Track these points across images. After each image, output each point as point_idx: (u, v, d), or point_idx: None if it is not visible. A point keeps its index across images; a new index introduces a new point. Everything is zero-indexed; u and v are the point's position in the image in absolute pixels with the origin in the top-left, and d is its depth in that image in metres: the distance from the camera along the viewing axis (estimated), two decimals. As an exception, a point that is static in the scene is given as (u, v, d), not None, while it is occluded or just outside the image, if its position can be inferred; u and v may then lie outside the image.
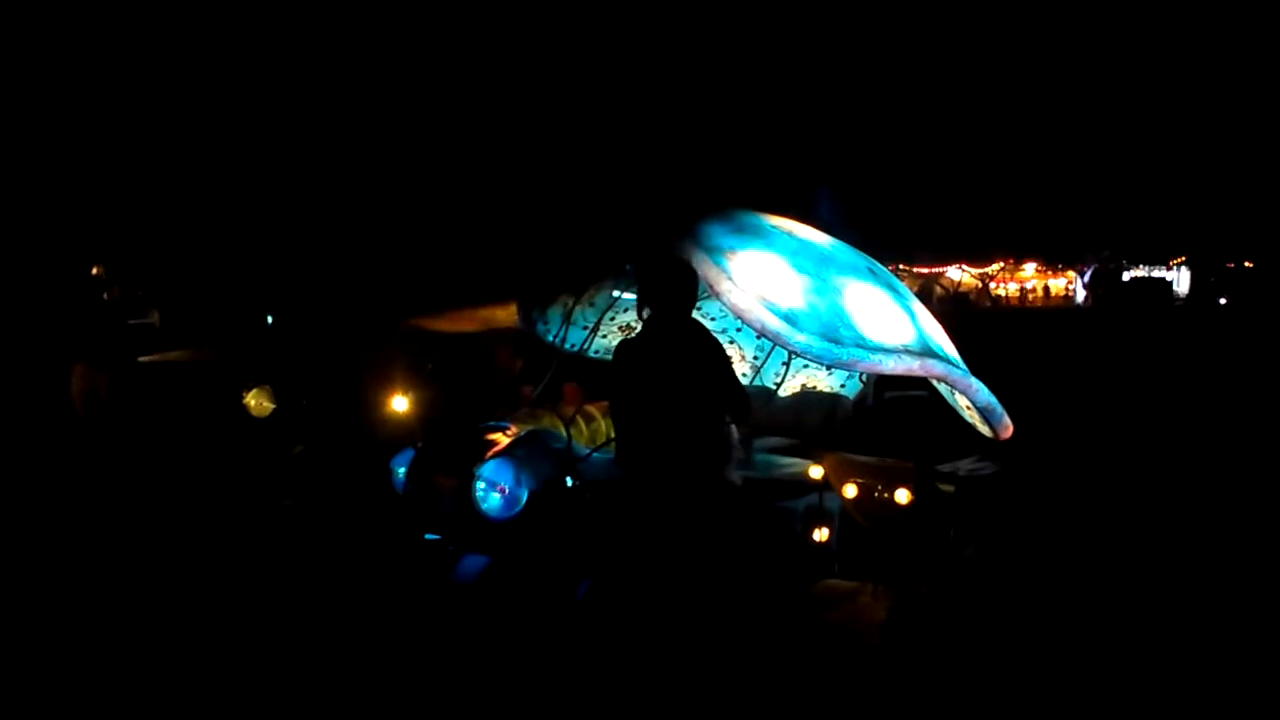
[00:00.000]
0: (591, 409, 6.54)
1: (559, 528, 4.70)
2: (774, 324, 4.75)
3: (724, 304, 4.95)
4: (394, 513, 5.23)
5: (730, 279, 4.90)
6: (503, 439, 5.03)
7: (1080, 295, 49.28)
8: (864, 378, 6.63)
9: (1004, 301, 48.44)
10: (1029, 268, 54.15)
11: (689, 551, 3.89)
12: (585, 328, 6.33)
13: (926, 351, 5.24)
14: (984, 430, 5.72)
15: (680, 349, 3.92)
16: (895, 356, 5.02)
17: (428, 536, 5.02)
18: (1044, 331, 25.19)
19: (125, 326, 11.02)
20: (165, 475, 8.33)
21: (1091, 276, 48.04)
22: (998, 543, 4.80)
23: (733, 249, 5.04)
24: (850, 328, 4.96)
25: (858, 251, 5.72)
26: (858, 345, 4.92)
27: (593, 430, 6.43)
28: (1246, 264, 45.59)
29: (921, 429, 5.83)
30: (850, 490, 4.52)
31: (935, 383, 5.95)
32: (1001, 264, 50.86)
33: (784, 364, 6.84)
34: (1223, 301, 42.68)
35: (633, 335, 4.33)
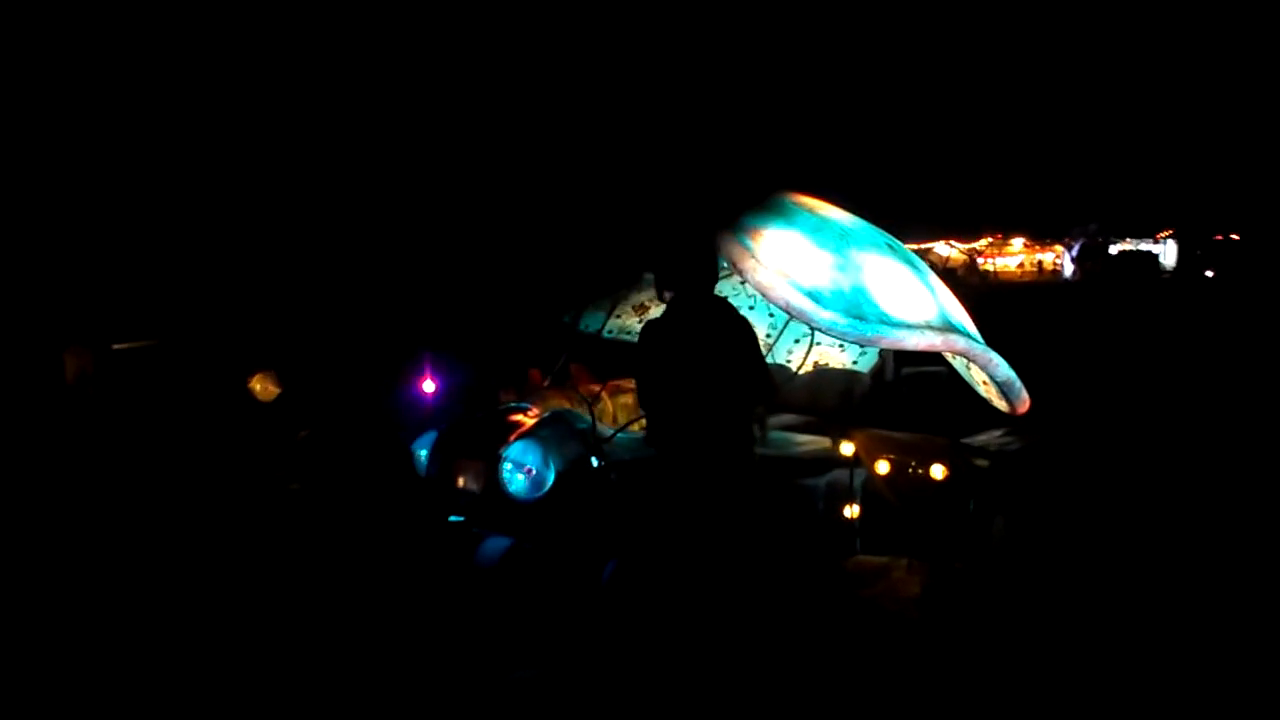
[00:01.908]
0: (597, 388, 6.53)
1: (585, 509, 4.68)
2: (799, 301, 4.73)
3: (749, 282, 4.93)
4: (416, 496, 5.19)
5: (755, 257, 4.88)
6: (526, 420, 4.99)
7: (1069, 269, 49.42)
8: (880, 353, 6.62)
9: (993, 277, 48.54)
10: (1017, 242, 54.26)
11: (720, 531, 3.88)
12: (601, 310, 6.30)
13: (947, 327, 5.23)
14: (1000, 405, 5.73)
15: (710, 328, 3.90)
16: (918, 332, 5.01)
17: (451, 519, 4.99)
18: (1040, 306, 25.24)
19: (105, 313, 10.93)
20: (169, 461, 8.29)
21: (1080, 250, 48.18)
22: (1027, 516, 4.80)
23: (756, 227, 5.01)
24: (873, 304, 4.94)
25: (876, 228, 5.69)
26: (881, 321, 4.90)
27: (616, 409, 6.42)
28: (1233, 236, 45.74)
29: (940, 404, 5.83)
30: (883, 466, 4.52)
31: (951, 358, 5.95)
32: (990, 239, 50.93)
33: (796, 341, 6.82)
34: (1209, 274, 42.86)
35: (655, 316, 4.31)
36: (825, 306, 4.75)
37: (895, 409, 5.60)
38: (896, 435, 4.67)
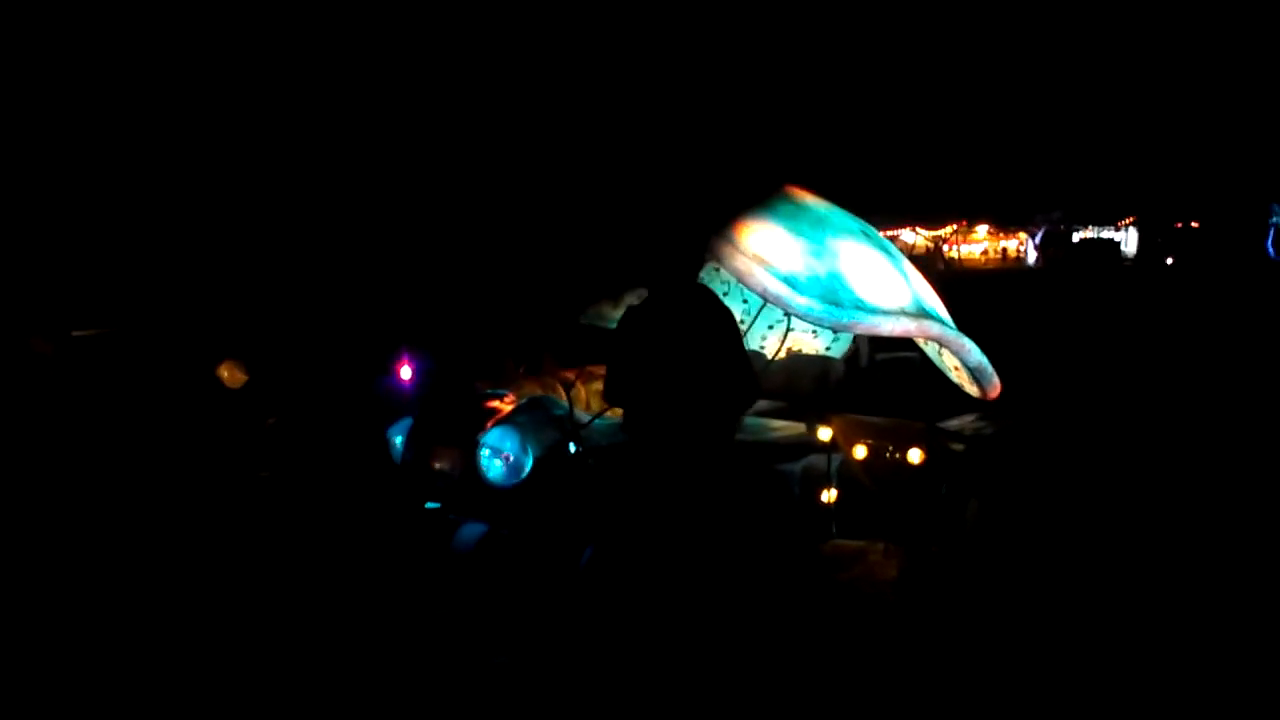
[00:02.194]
0: (570, 375, 6.53)
1: (563, 494, 4.68)
2: (775, 287, 4.77)
3: (724, 268, 4.96)
4: (391, 482, 5.17)
5: (732, 243, 4.90)
6: (503, 407, 4.98)
7: (1032, 256, 49.95)
8: (853, 339, 6.67)
9: (957, 264, 48.95)
10: (981, 229, 54.73)
11: (696, 517, 3.88)
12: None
13: (921, 313, 5.28)
14: (971, 390, 5.80)
15: (692, 317, 3.89)
16: (893, 318, 5.06)
17: (428, 505, 4.98)
18: (1004, 293, 25.49)
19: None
20: (136, 449, 8.18)
21: (1043, 237, 48.73)
22: (1000, 499, 4.85)
23: (734, 215, 5.04)
24: (849, 290, 4.99)
25: (851, 214, 5.73)
26: (857, 307, 4.95)
27: (589, 395, 6.42)
28: (1193, 225, 46.41)
29: (912, 390, 5.88)
30: (860, 451, 4.55)
31: (923, 344, 6.01)
32: (954, 226, 51.33)
33: (770, 327, 6.85)
34: (1170, 261, 43.49)
35: (637, 303, 4.29)
36: (801, 292, 4.79)
37: (869, 394, 5.64)
38: (874, 420, 4.71)
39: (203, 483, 6.99)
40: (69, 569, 5.31)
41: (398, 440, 5.10)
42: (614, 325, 6.95)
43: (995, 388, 5.62)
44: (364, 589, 4.82)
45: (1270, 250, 41.50)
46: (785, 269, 4.82)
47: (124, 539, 5.78)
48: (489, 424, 4.73)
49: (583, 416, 4.86)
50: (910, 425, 4.65)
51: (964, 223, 51.94)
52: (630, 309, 4.02)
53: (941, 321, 5.31)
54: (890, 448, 4.44)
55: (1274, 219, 42.15)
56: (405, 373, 5.14)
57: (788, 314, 5.49)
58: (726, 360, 3.88)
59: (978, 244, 55.78)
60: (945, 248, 50.99)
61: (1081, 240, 49.26)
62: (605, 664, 4.02)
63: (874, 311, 4.96)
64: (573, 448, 4.71)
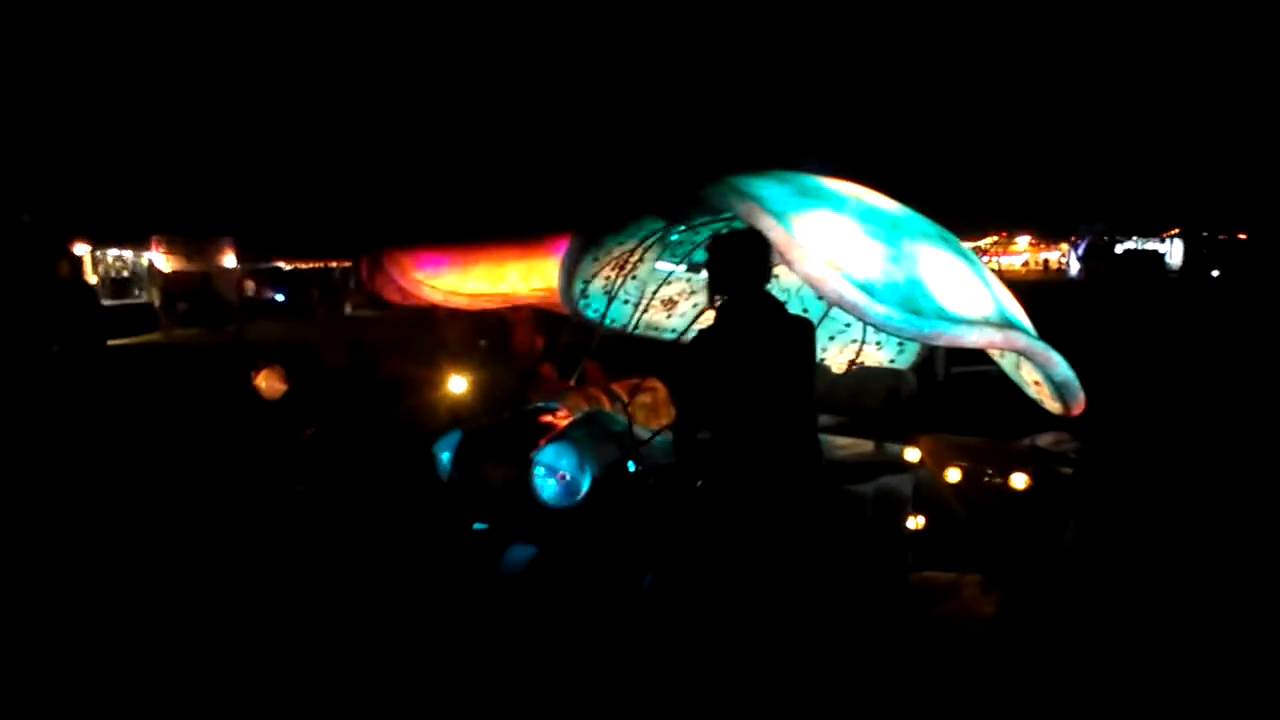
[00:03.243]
0: (617, 388, 6.21)
1: (621, 517, 4.35)
2: (851, 294, 4.39)
3: (796, 273, 4.59)
4: (439, 501, 4.87)
5: (802, 246, 4.54)
6: (557, 422, 4.66)
7: (1074, 268, 49.07)
8: (920, 351, 6.29)
9: (998, 276, 48.15)
10: (1022, 240, 53.95)
11: (785, 545, 3.53)
12: (628, 302, 5.98)
13: (1006, 323, 4.90)
14: (1052, 406, 5.40)
15: (774, 335, 3.55)
16: (978, 329, 4.67)
17: (476, 526, 4.67)
18: (1051, 305, 24.90)
19: (99, 308, 10.57)
20: (171, 461, 7.98)
21: (1086, 249, 47.85)
22: (1098, 522, 4.46)
23: (796, 212, 4.66)
24: (930, 298, 4.61)
25: (925, 217, 5.35)
26: (940, 317, 4.56)
27: (635, 409, 6.10)
28: (1240, 236, 45.42)
29: (989, 405, 5.50)
30: (953, 474, 4.18)
31: (999, 356, 5.63)
32: (995, 236, 50.62)
33: (832, 338, 6.48)
34: (1216, 274, 42.58)
35: (684, 311, 3.93)
36: (880, 300, 4.41)
37: (945, 410, 5.26)
38: (969, 441, 4.34)
39: (236, 496, 6.75)
40: (78, 582, 5.08)
41: (445, 456, 4.80)
42: (669, 336, 6.69)
43: (1080, 404, 5.21)
44: (405, 614, 4.52)
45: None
46: (862, 275, 4.44)
47: (149, 554, 5.54)
48: (543, 441, 4.40)
49: (642, 433, 4.52)
50: (1013, 447, 4.26)
51: (1005, 233, 51.20)
52: (704, 332, 3.67)
53: (1027, 332, 4.91)
54: (989, 471, 4.06)
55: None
56: (458, 385, 4.83)
57: (863, 324, 5.13)
58: (808, 376, 3.54)
59: (1018, 255, 54.94)
60: (985, 259, 50.28)
61: (1125, 252, 48.33)
62: (672, 701, 3.69)
63: (958, 321, 4.57)
64: (632, 466, 4.37)
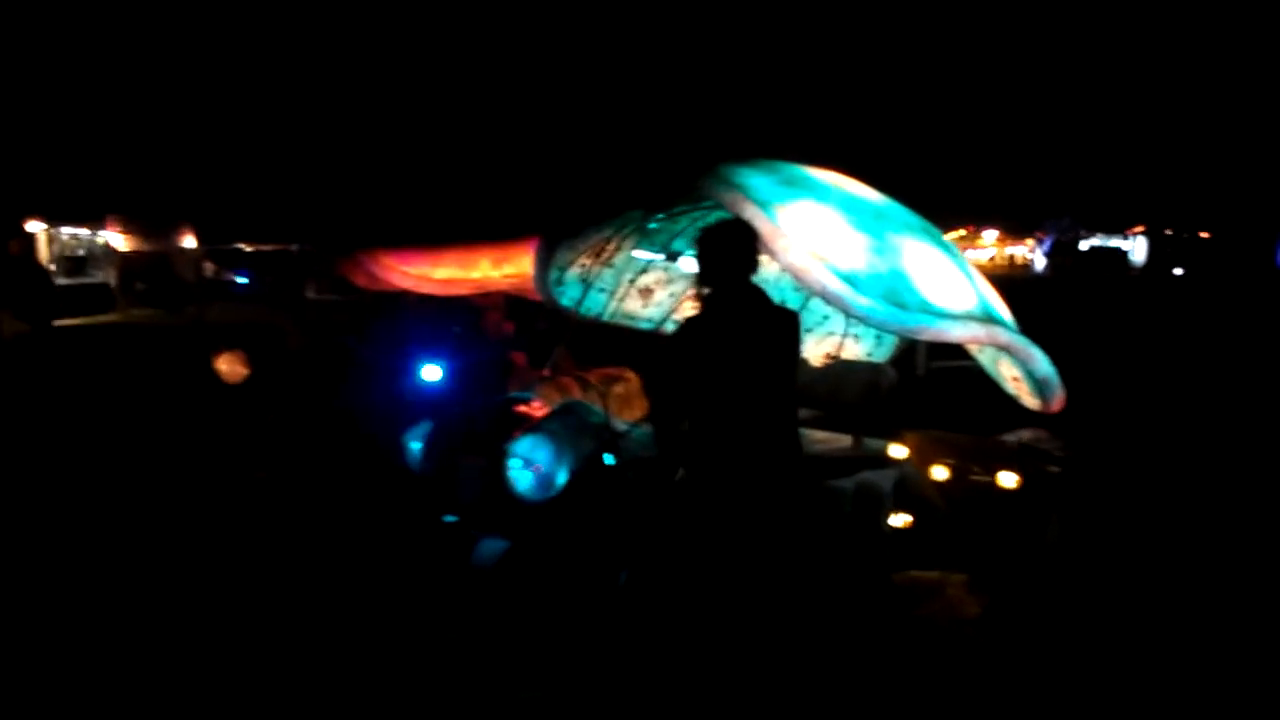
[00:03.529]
0: (589, 377, 6.09)
1: (598, 510, 4.23)
2: (835, 286, 4.30)
3: (779, 263, 4.49)
4: (408, 492, 4.72)
5: (786, 236, 4.44)
6: (533, 412, 4.53)
7: (1040, 264, 49.48)
8: (898, 345, 6.22)
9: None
10: (989, 235, 54.34)
11: (767, 540, 3.43)
12: (604, 291, 5.85)
13: (989, 318, 4.84)
14: (1030, 402, 5.34)
15: (761, 326, 3.44)
16: (962, 323, 4.61)
17: (446, 519, 4.53)
18: (1020, 301, 25.05)
19: (52, 288, 10.26)
20: (127, 446, 7.77)
21: (1053, 245, 48.25)
22: (1080, 520, 4.39)
23: (781, 202, 4.56)
24: (914, 291, 4.53)
25: (908, 209, 5.27)
26: (924, 310, 4.49)
27: (609, 400, 5.98)
28: (1202, 234, 45.99)
29: (967, 401, 5.44)
30: (940, 472, 4.09)
31: (976, 350, 5.57)
32: (963, 230, 50.93)
33: (808, 330, 6.39)
34: (1178, 271, 43.11)
35: (660, 301, 3.80)
36: (863, 292, 4.32)
37: (925, 405, 5.19)
38: (957, 438, 4.26)
39: (195, 483, 6.56)
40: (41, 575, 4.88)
41: (415, 446, 4.65)
42: (645, 325, 6.57)
43: (1059, 400, 5.16)
44: (373, 609, 4.38)
45: (1281, 260, 41.14)
46: (846, 266, 4.35)
47: (106, 542, 5.35)
48: (518, 432, 4.27)
49: (620, 425, 4.40)
50: (1001, 444, 4.18)
51: (972, 227, 51.50)
52: (690, 321, 3.55)
53: (1010, 328, 4.85)
54: (977, 469, 3.98)
55: (1287, 231, 41.76)
56: (432, 373, 4.67)
57: (843, 316, 5.04)
58: (793, 371, 3.44)
59: (984, 250, 55.30)
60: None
61: (1090, 249, 48.77)
62: (649, 700, 3.59)
63: (942, 316, 4.50)
64: (609, 459, 4.26)
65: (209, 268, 28.44)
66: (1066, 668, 3.60)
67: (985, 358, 5.61)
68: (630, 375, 6.14)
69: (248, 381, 7.76)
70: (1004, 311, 5.12)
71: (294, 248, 30.88)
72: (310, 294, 28.53)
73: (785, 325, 3.47)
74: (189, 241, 27.67)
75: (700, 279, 3.56)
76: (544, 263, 5.43)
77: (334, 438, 6.44)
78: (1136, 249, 49.34)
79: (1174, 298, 27.03)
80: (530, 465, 4.15)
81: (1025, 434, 5.11)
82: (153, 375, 10.67)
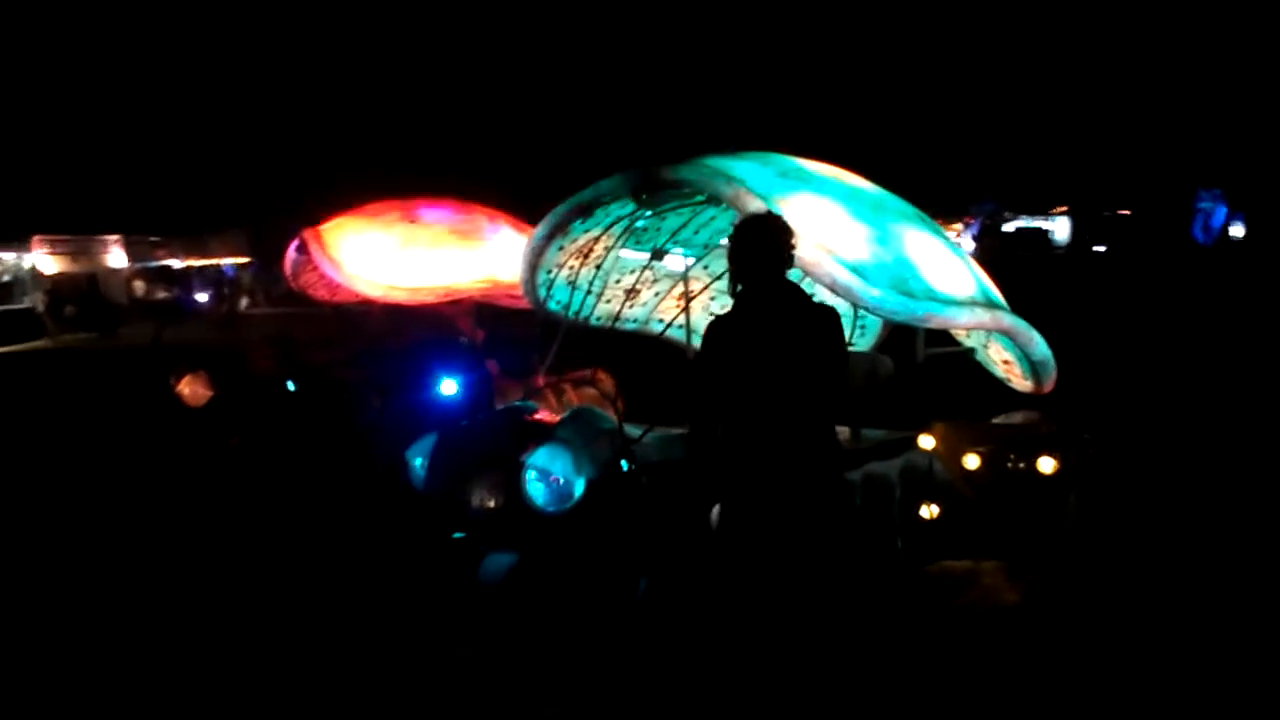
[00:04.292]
0: (562, 383, 5.98)
1: (616, 518, 4.12)
2: (845, 277, 4.25)
3: (786, 258, 4.44)
4: (413, 510, 4.56)
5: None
6: (542, 421, 4.40)
7: (969, 247, 50.39)
8: (880, 333, 6.22)
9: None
10: (918, 221, 55.08)
11: (801, 554, 3.35)
12: (590, 292, 5.72)
13: (991, 303, 4.84)
14: (1022, 385, 5.37)
15: (797, 326, 3.35)
16: (968, 310, 4.60)
17: (455, 536, 4.38)
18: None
19: None
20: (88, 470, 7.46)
21: (980, 228, 49.15)
22: (1098, 497, 4.39)
23: (781, 194, 4.50)
24: (919, 279, 4.50)
25: (899, 198, 5.25)
26: (931, 298, 4.47)
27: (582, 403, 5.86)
28: (1122, 212, 47.22)
29: (963, 386, 5.44)
30: (972, 460, 4.04)
31: (964, 335, 5.58)
32: (893, 219, 51.55)
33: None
34: (1100, 249, 44.20)
35: (643, 299, 3.68)
36: (872, 283, 4.28)
37: (921, 393, 5.15)
38: (986, 425, 4.22)
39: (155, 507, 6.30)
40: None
41: (418, 462, 4.48)
42: (630, 326, 6.46)
43: (1053, 382, 5.20)
44: (385, 630, 4.23)
45: (1198, 235, 42.43)
46: (852, 257, 4.30)
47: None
48: (531, 443, 4.13)
49: (632, 430, 4.30)
50: (1037, 429, 4.15)
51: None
52: (720, 319, 3.46)
53: (1009, 312, 4.86)
54: (1013, 456, 3.94)
55: (1201, 205, 43.07)
56: (449, 386, 4.51)
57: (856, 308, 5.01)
58: (835, 370, 3.36)
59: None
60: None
61: (1015, 230, 49.77)
62: (676, 709, 3.50)
63: (949, 303, 4.48)
64: (624, 466, 4.15)
65: (139, 287, 27.61)
66: (1112, 650, 3.60)
67: (974, 342, 5.63)
68: (603, 377, 6.03)
69: (211, 403, 7.49)
70: (1000, 297, 5.13)
71: (225, 263, 30.14)
72: (243, 306, 27.91)
73: (824, 322, 3.37)
74: (117, 259, 26.84)
75: (732, 275, 3.46)
76: (531, 265, 5.29)
77: (322, 461, 6.19)
78: (1059, 228, 50.52)
79: (1096, 273, 27.75)
80: (547, 476, 4.03)
81: (1017, 416, 5.13)
82: (100, 402, 10.28)
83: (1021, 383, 5.36)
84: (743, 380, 3.32)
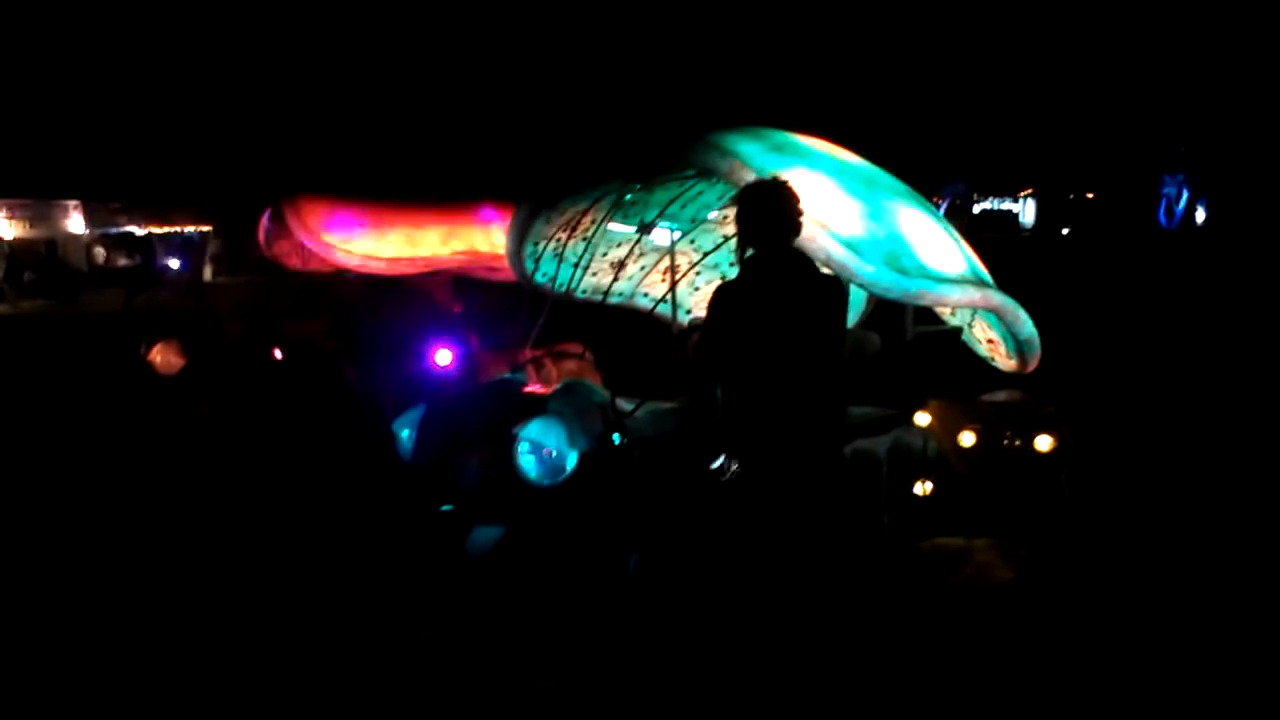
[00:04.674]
0: (538, 353, 5.91)
1: (608, 492, 4.09)
2: (840, 253, 4.23)
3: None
4: (400, 483, 4.50)
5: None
6: (533, 394, 4.36)
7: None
8: (863, 311, 6.21)
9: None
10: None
11: (805, 513, 3.34)
12: (576, 265, 5.65)
13: (980, 281, 4.84)
14: (1005, 364, 5.39)
15: (803, 294, 3.33)
16: (960, 288, 4.59)
17: (443, 509, 4.33)
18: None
19: None
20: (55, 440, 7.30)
21: (948, 209, 49.48)
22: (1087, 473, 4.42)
23: (776, 169, 4.45)
24: (912, 256, 4.49)
25: (891, 174, 5.23)
26: (924, 275, 4.46)
27: (561, 375, 5.81)
28: (1088, 195, 47.72)
29: (944, 365, 5.44)
30: (968, 438, 4.05)
31: (947, 314, 5.59)
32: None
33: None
34: (1065, 231, 44.64)
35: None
36: (867, 259, 4.27)
37: (909, 371, 5.16)
38: (981, 404, 4.22)
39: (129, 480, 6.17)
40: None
41: (405, 434, 4.42)
42: (616, 300, 6.41)
43: (1037, 360, 5.22)
44: (373, 604, 4.18)
45: (1161, 219, 43.00)
46: (847, 233, 4.28)
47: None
48: (523, 415, 4.09)
49: (624, 404, 4.26)
50: (1033, 406, 4.16)
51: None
52: (726, 284, 3.43)
53: (999, 290, 4.86)
54: (1009, 434, 3.95)
55: (1165, 189, 43.61)
56: (444, 357, 4.44)
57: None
58: (836, 340, 3.35)
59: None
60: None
61: (982, 212, 50.16)
62: (667, 689, 3.49)
63: (941, 280, 4.47)
64: (616, 439, 4.11)
65: (99, 254, 27.08)
66: (1107, 628, 3.62)
67: (959, 320, 5.64)
68: (582, 349, 5.98)
69: (184, 372, 7.37)
70: (988, 274, 5.14)
71: (189, 229, 29.60)
72: (207, 276, 27.40)
73: (829, 292, 3.37)
74: (77, 225, 26.30)
75: (739, 241, 3.43)
76: (519, 237, 5.23)
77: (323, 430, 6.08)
78: (1026, 211, 51.00)
79: (1062, 255, 28.04)
80: (540, 449, 3.98)
81: (1000, 395, 5.15)
82: (64, 369, 10.08)
83: (1005, 362, 5.38)
84: (751, 345, 3.30)
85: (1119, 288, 17.12)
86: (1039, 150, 46.33)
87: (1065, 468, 4.04)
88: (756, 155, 4.49)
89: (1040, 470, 3.96)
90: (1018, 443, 3.96)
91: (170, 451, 6.83)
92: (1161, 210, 43.10)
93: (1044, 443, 3.92)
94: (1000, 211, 50.65)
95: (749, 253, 3.43)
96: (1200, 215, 42.80)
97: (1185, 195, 42.74)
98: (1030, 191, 49.77)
